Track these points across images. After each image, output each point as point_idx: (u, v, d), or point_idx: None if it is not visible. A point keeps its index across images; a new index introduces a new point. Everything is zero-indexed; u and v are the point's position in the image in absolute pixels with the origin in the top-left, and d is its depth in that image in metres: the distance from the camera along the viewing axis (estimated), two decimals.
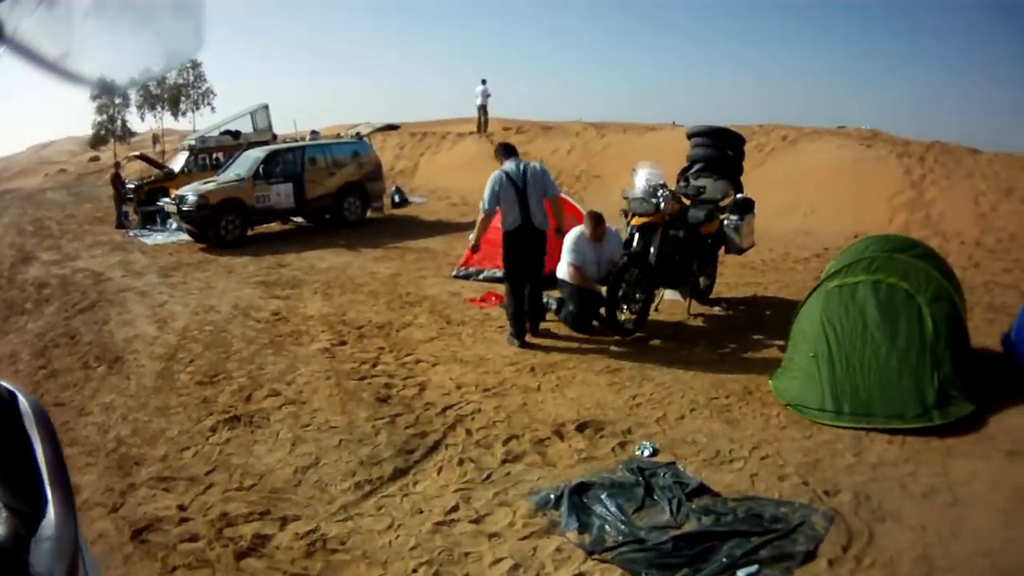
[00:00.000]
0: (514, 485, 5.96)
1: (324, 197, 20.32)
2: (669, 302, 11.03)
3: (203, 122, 58.93)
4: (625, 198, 10.14)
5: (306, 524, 5.48)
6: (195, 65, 63.32)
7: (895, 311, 7.15)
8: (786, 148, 20.71)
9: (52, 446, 1.57)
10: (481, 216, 9.37)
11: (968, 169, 16.94)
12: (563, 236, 9.69)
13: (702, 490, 5.72)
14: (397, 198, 25.03)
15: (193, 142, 25.93)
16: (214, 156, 24.93)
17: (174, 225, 20.64)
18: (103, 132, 68.95)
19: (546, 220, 9.39)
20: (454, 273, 13.64)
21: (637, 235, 9.85)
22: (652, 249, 9.72)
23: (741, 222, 10.67)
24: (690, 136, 11.94)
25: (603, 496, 5.63)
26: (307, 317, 11.26)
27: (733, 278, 12.84)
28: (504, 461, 6.39)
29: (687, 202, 10.58)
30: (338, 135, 25.88)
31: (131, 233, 21.85)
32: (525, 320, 9.62)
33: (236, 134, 26.07)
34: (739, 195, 11.12)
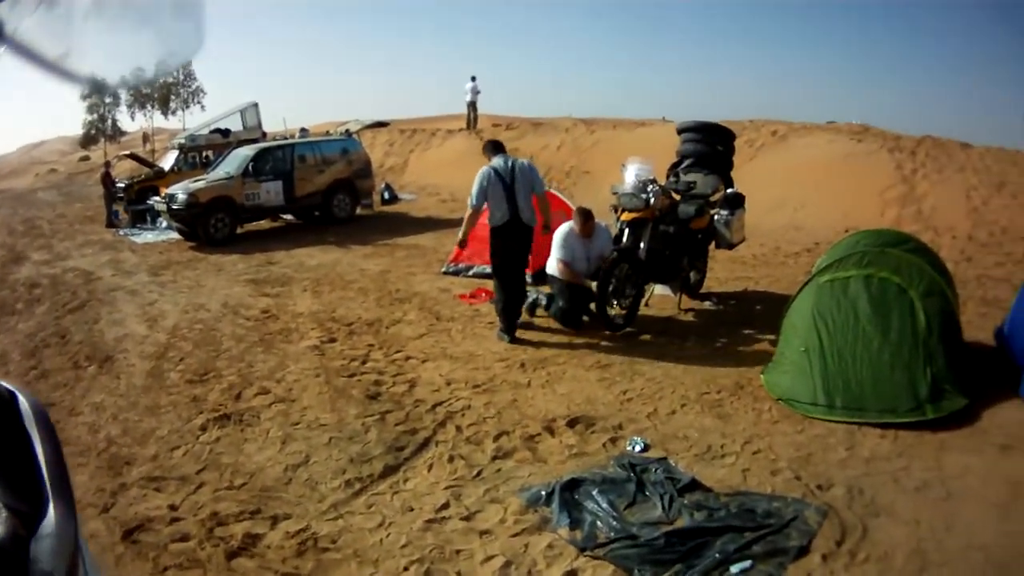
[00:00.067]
0: (505, 482, 5.94)
1: (313, 194, 20.27)
2: (659, 297, 11.03)
3: (193, 120, 58.93)
4: (615, 194, 10.12)
5: (297, 523, 5.44)
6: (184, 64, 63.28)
7: (887, 305, 7.15)
8: (776, 143, 20.74)
9: (52, 446, 1.54)
10: (469, 212, 9.34)
11: (960, 163, 16.98)
12: (550, 233, 9.68)
13: (694, 485, 5.71)
14: (386, 195, 25.04)
15: (183, 140, 25.90)
16: (204, 154, 24.86)
17: (164, 224, 20.53)
18: (93, 131, 68.84)
19: (534, 216, 9.39)
20: (444, 269, 13.65)
21: (627, 231, 9.84)
22: (642, 244, 9.72)
23: (731, 217, 10.68)
24: (680, 132, 11.94)
25: (594, 492, 5.61)
26: (297, 314, 11.22)
27: (723, 273, 12.85)
28: (495, 458, 6.37)
29: (677, 197, 10.58)
30: (327, 132, 25.80)
31: (121, 232, 21.75)
32: (516, 316, 9.61)
33: (226, 132, 26.05)
34: (729, 190, 11.13)
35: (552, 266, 9.72)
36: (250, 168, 19.24)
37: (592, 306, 9.64)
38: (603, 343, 9.31)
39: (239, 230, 19.30)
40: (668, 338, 9.52)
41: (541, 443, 6.63)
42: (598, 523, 5.27)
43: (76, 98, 68.38)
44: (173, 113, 65.74)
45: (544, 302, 10.14)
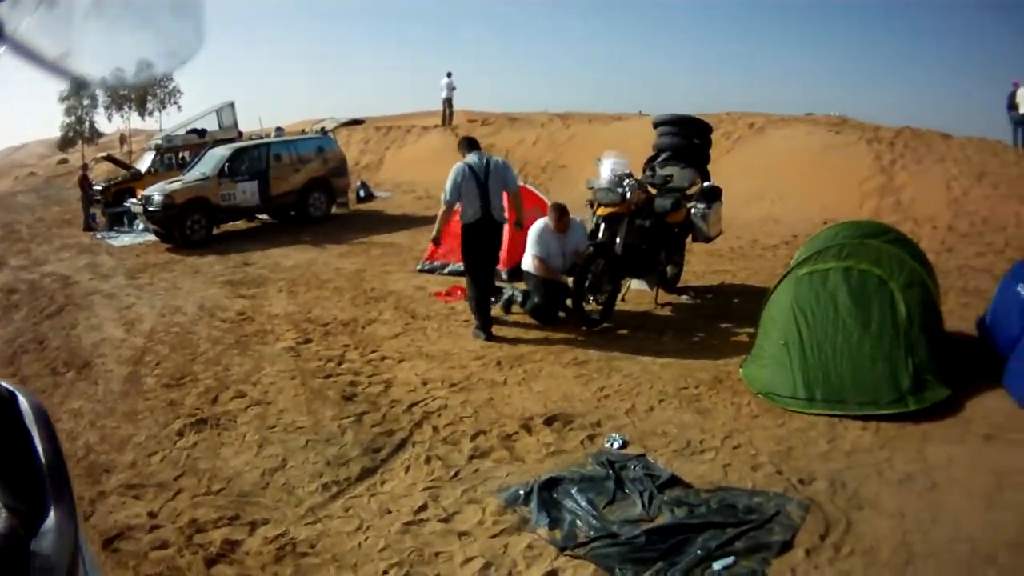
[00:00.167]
0: (483, 482, 5.90)
1: (289, 194, 20.19)
2: (636, 292, 11.00)
3: (170, 121, 58.85)
4: (591, 188, 10.11)
5: (275, 528, 5.39)
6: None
7: (867, 297, 7.15)
8: (754, 136, 20.77)
9: (52, 446, 1.58)
10: (443, 208, 9.33)
11: (940, 154, 17.07)
12: (523, 230, 9.68)
13: (674, 482, 5.68)
14: (362, 193, 24.99)
15: (159, 141, 25.78)
16: (180, 155, 24.71)
17: (141, 226, 20.44)
18: (71, 134, 68.50)
19: (503, 214, 9.43)
20: (419, 267, 13.60)
21: (603, 225, 9.84)
22: (618, 239, 9.72)
23: (708, 210, 10.68)
24: (656, 125, 11.92)
25: (573, 491, 5.57)
26: (272, 316, 11.16)
27: (701, 266, 12.84)
28: (472, 457, 6.33)
29: (653, 191, 10.57)
30: (303, 131, 25.76)
31: (99, 235, 21.61)
32: (489, 310, 9.62)
33: (202, 132, 25.90)
34: (706, 183, 11.14)
35: (527, 262, 9.69)
36: (226, 168, 19.18)
37: (568, 302, 9.63)
38: (580, 339, 9.27)
39: (215, 231, 19.22)
40: (645, 333, 9.50)
41: (518, 442, 6.59)
42: (578, 522, 5.23)
43: (55, 100, 67.98)
44: (150, 114, 65.74)
45: (520, 299, 10.10)
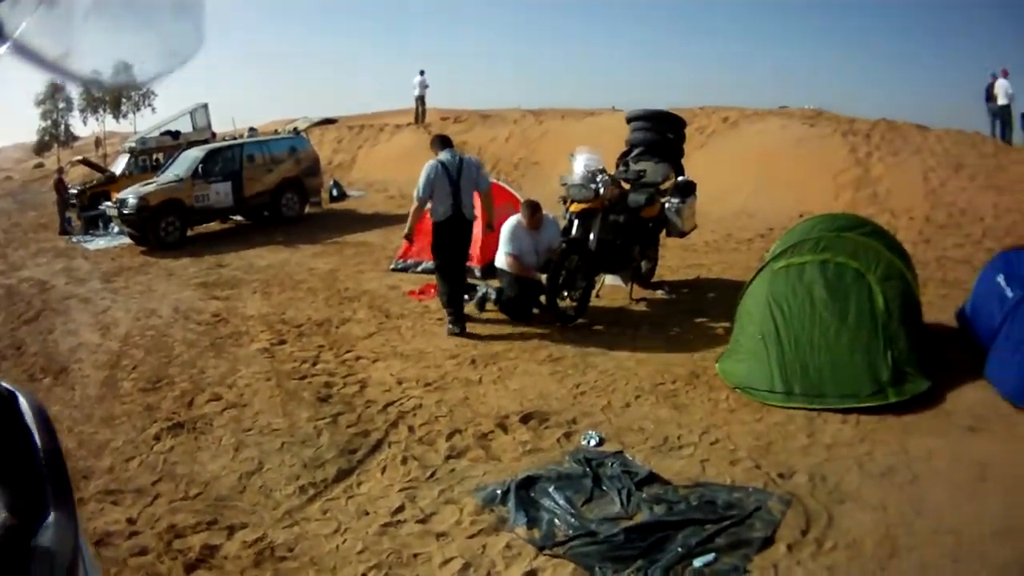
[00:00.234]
0: (459, 482, 5.87)
1: (262, 194, 20.19)
2: (610, 287, 11.01)
3: (144, 123, 58.41)
4: (564, 184, 10.12)
5: (253, 532, 5.35)
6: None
7: (844, 290, 7.16)
8: (728, 130, 20.85)
9: (52, 445, 1.57)
10: (415, 205, 9.36)
11: (916, 146, 17.16)
12: (495, 231, 9.73)
13: (652, 478, 5.67)
14: (335, 192, 25.03)
15: (134, 144, 25.73)
16: (154, 157, 24.66)
17: (116, 229, 20.43)
18: (47, 138, 68.13)
19: (474, 212, 9.47)
20: (392, 266, 13.58)
21: (576, 222, 9.86)
22: (592, 235, 9.73)
23: (682, 205, 10.70)
24: (629, 120, 11.95)
25: (551, 489, 5.55)
26: (247, 317, 11.11)
27: (675, 261, 12.86)
28: (448, 457, 6.30)
29: (627, 186, 10.57)
30: (276, 131, 25.76)
31: (74, 239, 21.56)
32: (461, 305, 9.65)
33: (176, 134, 25.82)
34: (680, 178, 11.16)
35: (501, 259, 9.68)
36: (199, 169, 19.18)
37: (542, 299, 9.62)
38: (554, 336, 9.26)
39: (190, 232, 19.19)
40: (620, 329, 9.50)
41: (494, 441, 6.57)
42: (556, 521, 5.21)
43: (31, 104, 67.65)
44: (124, 116, 65.39)
45: (493, 296, 10.07)
